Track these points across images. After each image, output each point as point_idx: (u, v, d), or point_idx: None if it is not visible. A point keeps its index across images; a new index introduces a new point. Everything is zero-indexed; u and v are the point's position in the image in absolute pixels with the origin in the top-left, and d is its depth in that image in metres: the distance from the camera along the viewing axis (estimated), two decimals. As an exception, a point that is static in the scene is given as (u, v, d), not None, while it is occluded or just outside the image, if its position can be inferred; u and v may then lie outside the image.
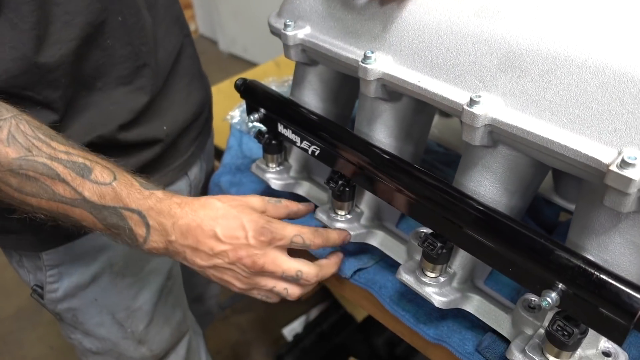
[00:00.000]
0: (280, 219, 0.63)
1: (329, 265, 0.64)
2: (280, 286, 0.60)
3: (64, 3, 0.58)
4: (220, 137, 1.10)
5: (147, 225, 0.55)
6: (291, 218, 0.66)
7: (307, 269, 0.60)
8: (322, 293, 1.87)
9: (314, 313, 1.83)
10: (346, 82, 0.71)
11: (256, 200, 0.61)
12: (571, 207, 0.76)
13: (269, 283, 0.59)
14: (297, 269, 0.59)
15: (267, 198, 0.63)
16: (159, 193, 0.57)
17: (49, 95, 0.60)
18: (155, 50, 0.71)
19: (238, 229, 0.56)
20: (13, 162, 0.51)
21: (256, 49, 3.44)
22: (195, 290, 1.17)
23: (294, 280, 0.60)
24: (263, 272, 0.58)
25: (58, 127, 0.59)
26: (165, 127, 0.75)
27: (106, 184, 0.54)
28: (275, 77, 1.11)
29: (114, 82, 0.67)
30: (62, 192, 0.53)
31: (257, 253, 0.57)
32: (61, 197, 0.53)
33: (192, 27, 4.00)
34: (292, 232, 0.59)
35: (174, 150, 0.79)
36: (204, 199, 0.58)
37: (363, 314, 1.70)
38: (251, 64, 3.34)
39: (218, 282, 0.59)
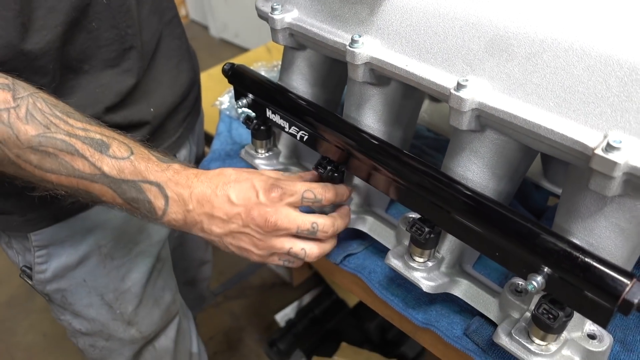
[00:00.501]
0: None
1: (342, 216, 0.63)
2: (297, 246, 0.59)
3: None
4: (210, 123, 1.10)
5: (166, 197, 0.56)
6: None
7: (323, 220, 0.59)
8: (314, 279, 1.88)
9: (306, 299, 1.84)
10: (335, 67, 0.70)
11: (269, 171, 0.64)
12: (560, 191, 0.76)
13: (286, 244, 0.59)
14: (312, 221, 0.58)
15: (280, 172, 0.65)
16: (176, 165, 0.58)
17: (38, 81, 0.60)
18: (141, 32, 0.70)
19: (249, 190, 0.57)
20: (32, 139, 0.51)
21: (247, 34, 3.40)
22: (187, 274, 1.17)
23: (311, 234, 0.59)
24: (277, 230, 0.57)
25: None
26: (152, 109, 0.74)
27: (124, 158, 0.55)
28: (265, 61, 1.10)
29: (101, 64, 0.66)
30: (82, 168, 0.53)
31: (269, 210, 0.57)
32: (80, 173, 0.54)
33: (182, 12, 3.95)
34: (303, 187, 0.60)
35: (161, 132, 0.79)
36: (219, 169, 0.60)
37: (355, 300, 1.72)
38: (242, 49, 3.31)
39: (237, 252, 0.59)
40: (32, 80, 0.59)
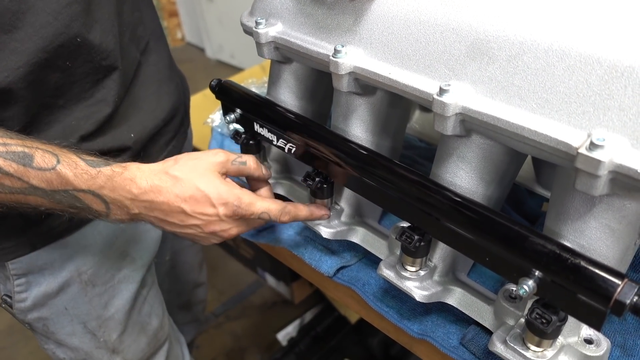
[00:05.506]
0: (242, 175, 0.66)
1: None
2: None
3: (14, 31, 0.56)
4: (202, 141, 1.10)
5: (105, 202, 0.56)
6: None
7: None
8: (315, 296, 1.86)
9: (307, 317, 1.82)
10: (322, 79, 0.70)
11: (220, 158, 0.62)
12: (553, 196, 0.75)
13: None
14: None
15: (231, 157, 0.63)
16: (107, 170, 0.56)
17: (2, 114, 0.59)
18: (121, 58, 0.69)
19: (207, 206, 0.58)
20: None
21: (243, 55, 3.43)
22: (181, 297, 1.15)
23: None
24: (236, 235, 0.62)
25: None
26: (132, 135, 0.73)
27: (50, 169, 0.53)
28: (256, 78, 1.10)
29: (75, 98, 0.66)
30: (10, 184, 0.52)
31: (230, 227, 0.60)
32: (11, 189, 0.52)
33: (178, 35, 3.99)
34: (260, 209, 0.61)
35: (144, 156, 0.77)
36: (160, 172, 0.58)
37: (357, 316, 1.69)
38: (238, 70, 3.34)
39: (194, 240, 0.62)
40: None
